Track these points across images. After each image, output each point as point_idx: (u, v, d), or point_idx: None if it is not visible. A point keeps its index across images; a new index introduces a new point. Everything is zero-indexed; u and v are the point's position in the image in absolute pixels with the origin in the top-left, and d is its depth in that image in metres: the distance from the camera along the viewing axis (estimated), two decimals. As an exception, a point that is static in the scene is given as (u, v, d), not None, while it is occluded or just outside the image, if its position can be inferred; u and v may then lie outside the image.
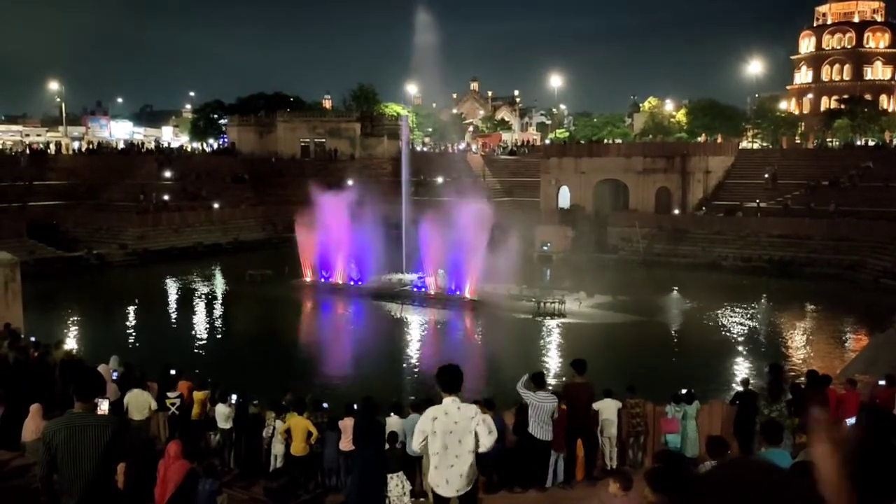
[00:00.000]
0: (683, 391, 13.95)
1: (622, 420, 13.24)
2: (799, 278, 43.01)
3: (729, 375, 25.23)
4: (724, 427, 13.15)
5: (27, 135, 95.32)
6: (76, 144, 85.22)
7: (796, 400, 12.26)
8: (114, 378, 15.46)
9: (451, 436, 6.29)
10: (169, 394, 14.79)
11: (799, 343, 31.83)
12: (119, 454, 5.53)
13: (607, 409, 13.01)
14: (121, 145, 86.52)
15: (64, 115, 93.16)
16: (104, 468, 5.46)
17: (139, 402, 14.19)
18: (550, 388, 13.02)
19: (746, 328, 33.17)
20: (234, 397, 14.69)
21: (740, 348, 29.54)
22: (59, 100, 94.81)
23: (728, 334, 31.88)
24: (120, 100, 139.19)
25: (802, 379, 15.09)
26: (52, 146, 78.14)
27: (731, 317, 34.80)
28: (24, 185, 59.86)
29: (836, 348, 30.45)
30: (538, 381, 12.11)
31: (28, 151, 73.07)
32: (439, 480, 6.46)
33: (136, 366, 16.90)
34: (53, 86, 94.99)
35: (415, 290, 37.96)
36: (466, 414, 6.35)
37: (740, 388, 14.31)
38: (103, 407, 5.65)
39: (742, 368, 26.27)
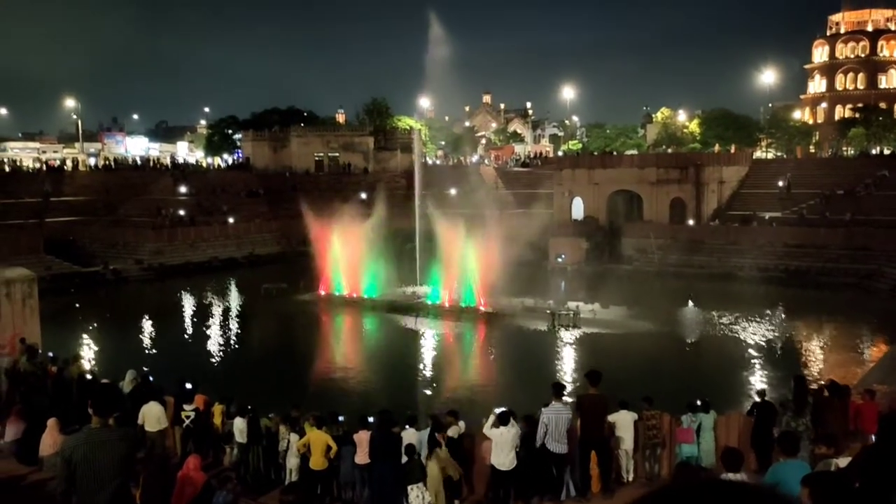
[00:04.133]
0: (699, 402, 13.81)
1: (639, 432, 13.11)
2: (815, 288, 42.68)
3: (746, 386, 25.03)
4: (742, 438, 13.02)
5: (44, 151, 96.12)
6: (92, 161, 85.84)
7: (816, 410, 12.15)
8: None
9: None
10: (185, 406, 14.82)
11: (816, 353, 31.52)
12: (136, 466, 5.59)
13: (623, 421, 12.89)
14: (136, 161, 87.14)
15: (80, 131, 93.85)
16: (123, 481, 5.50)
17: (153, 414, 14.22)
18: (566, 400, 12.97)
19: (763, 338, 32.86)
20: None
21: (757, 359, 29.24)
22: (75, 116, 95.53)
23: (744, 345, 31.57)
24: (135, 116, 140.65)
25: (815, 388, 14.89)
26: (69, 163, 78.81)
27: (748, 327, 34.51)
28: (42, 201, 60.44)
29: (854, 358, 30.12)
30: (557, 391, 12.07)
31: (45, 168, 73.67)
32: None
33: (145, 378, 16.95)
34: (69, 103, 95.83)
35: (429, 302, 38.00)
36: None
37: (757, 400, 14.15)
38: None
39: (759, 379, 26.03)
